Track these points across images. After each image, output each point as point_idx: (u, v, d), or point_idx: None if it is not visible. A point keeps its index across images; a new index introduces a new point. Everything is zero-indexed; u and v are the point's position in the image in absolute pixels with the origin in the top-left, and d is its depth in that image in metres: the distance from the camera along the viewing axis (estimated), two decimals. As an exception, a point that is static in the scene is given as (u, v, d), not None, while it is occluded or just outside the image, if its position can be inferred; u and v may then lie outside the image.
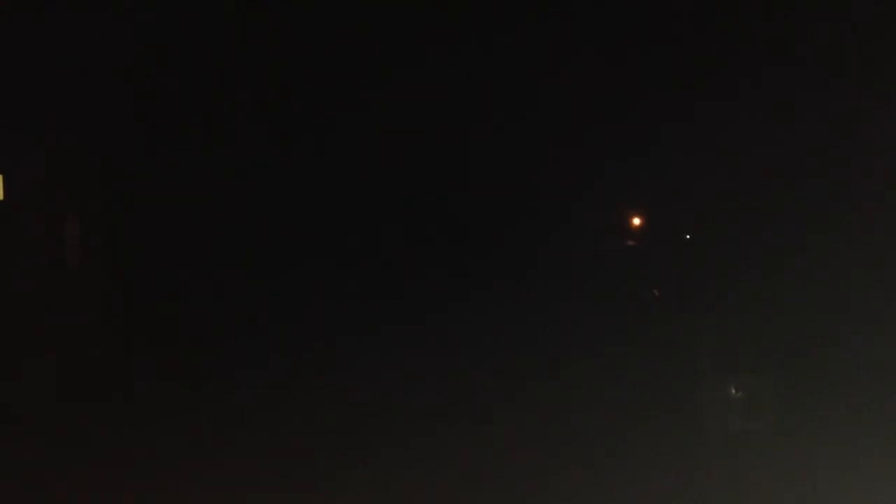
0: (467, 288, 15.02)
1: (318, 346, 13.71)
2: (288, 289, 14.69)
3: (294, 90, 15.18)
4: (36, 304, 13.29)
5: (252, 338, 14.05)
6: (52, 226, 13.80)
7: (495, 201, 15.85)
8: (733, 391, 10.93)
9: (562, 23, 15.10)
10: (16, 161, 12.88)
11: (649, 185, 16.67)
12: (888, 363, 10.94)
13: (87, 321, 13.78)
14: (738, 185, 14.91)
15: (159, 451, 10.14)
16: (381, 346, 13.67)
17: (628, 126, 15.46)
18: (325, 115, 15.23)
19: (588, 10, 15.29)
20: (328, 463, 9.80)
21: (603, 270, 16.29)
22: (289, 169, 15.03)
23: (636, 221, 18.09)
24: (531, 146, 15.74)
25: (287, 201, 15.27)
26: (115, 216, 14.52)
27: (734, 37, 14.63)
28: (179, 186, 14.81)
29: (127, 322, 14.05)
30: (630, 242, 18.04)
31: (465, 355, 13.47)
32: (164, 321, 14.11)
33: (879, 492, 8.30)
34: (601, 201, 16.69)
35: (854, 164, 13.26)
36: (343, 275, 15.18)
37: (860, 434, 9.57)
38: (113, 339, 13.70)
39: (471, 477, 9.44)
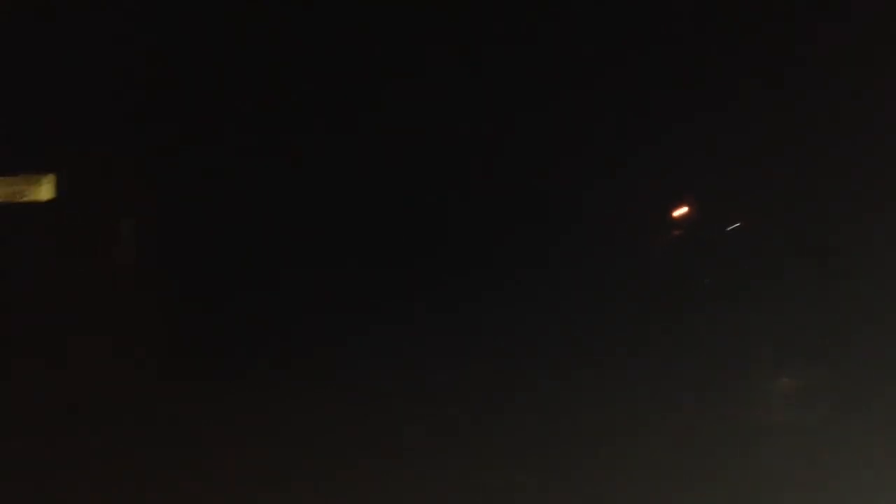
0: (485, 288, 14.92)
1: (334, 346, 13.71)
2: (316, 289, 14.62)
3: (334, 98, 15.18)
4: (83, 301, 13.35)
5: (266, 337, 14.10)
6: (100, 224, 13.84)
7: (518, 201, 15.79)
8: (779, 383, 10.89)
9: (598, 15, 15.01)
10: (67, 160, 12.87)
11: (684, 179, 16.53)
12: None
13: (135, 320, 13.83)
14: (787, 178, 14.82)
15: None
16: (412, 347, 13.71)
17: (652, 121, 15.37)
18: (352, 117, 15.20)
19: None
20: (330, 463, 9.93)
21: (643, 264, 16.13)
22: (312, 171, 15.04)
23: (679, 212, 18.01)
24: (554, 143, 15.70)
25: (309, 202, 15.25)
26: (158, 216, 14.57)
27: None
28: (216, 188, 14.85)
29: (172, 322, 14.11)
30: (673, 233, 17.92)
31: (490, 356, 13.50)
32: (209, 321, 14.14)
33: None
34: (636, 197, 16.51)
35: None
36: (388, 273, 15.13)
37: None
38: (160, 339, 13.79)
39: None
